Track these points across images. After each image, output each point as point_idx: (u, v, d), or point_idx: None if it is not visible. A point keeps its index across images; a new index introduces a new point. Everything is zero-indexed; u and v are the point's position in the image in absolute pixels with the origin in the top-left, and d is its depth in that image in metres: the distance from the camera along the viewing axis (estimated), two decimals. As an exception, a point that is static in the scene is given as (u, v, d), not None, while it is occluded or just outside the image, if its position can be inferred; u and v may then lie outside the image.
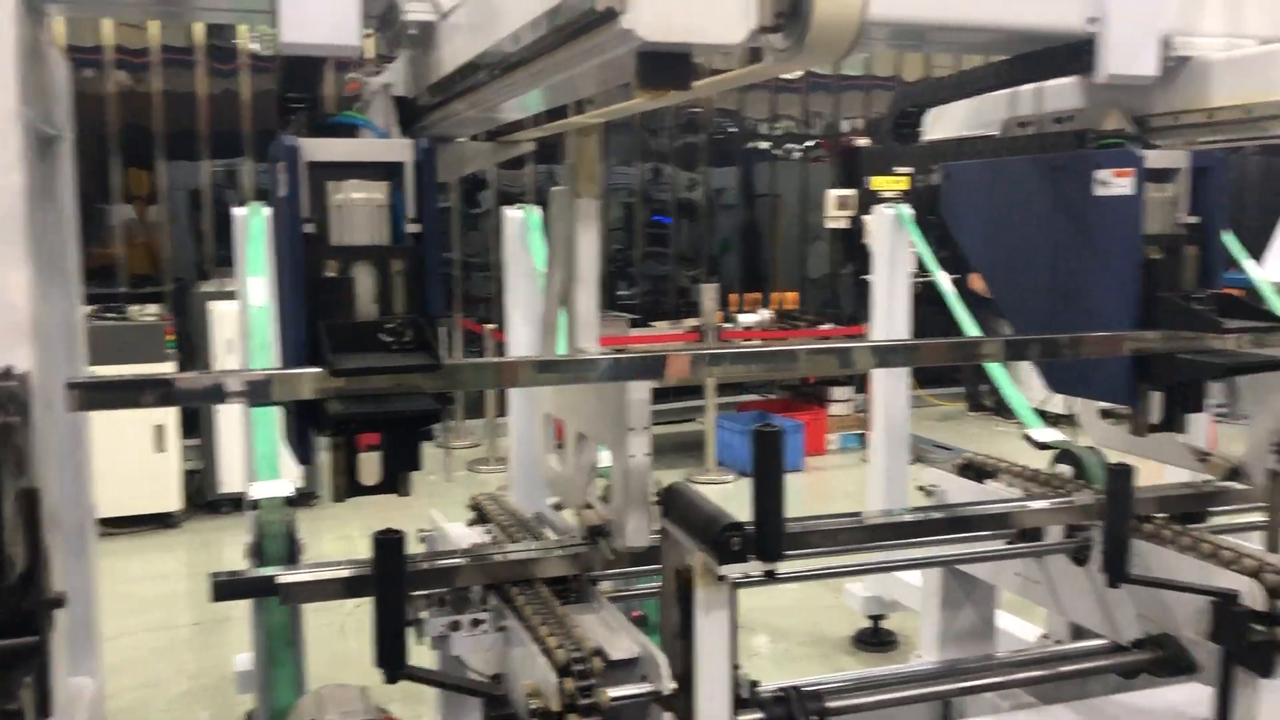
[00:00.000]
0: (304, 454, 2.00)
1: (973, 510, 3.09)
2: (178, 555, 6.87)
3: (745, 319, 9.19)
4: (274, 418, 3.90)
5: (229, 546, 7.12)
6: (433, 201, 1.99)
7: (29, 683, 0.87)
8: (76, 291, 2.63)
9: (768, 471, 2.11)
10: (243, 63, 9.75)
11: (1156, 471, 3.62)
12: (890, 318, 4.87)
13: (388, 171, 2.01)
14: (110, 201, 9.62)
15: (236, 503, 7.88)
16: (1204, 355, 2.41)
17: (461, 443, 9.28)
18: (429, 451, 9.34)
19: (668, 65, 1.25)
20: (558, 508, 3.03)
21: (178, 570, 6.64)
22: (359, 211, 1.98)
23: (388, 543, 2.04)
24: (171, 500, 7.33)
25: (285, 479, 3.25)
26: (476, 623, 2.36)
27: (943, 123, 3.47)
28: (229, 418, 7.46)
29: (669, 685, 2.13)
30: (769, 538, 2.10)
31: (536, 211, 4.29)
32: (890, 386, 4.91)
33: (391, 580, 2.05)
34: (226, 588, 2.34)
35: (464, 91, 1.92)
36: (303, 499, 7.55)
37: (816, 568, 3.07)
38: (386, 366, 1.83)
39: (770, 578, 2.20)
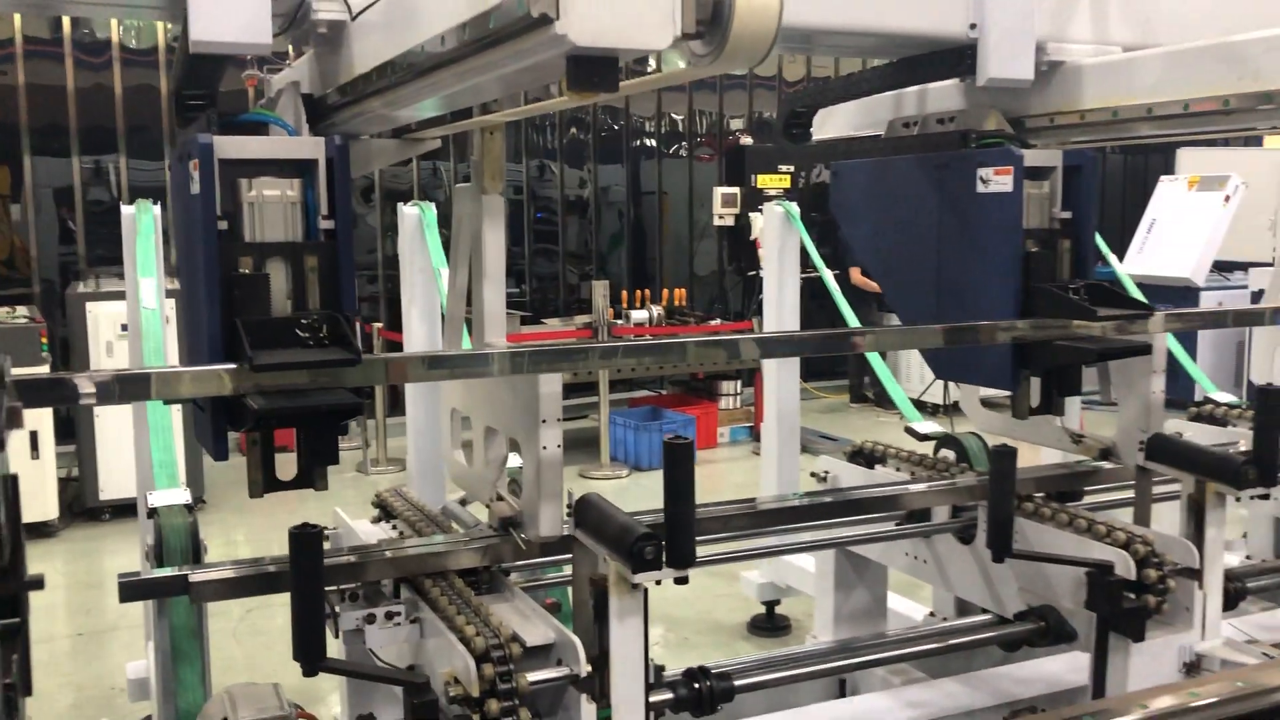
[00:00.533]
0: (220, 451, 2.00)
1: (863, 494, 3.23)
2: (56, 565, 6.65)
3: (637, 315, 9.30)
4: (170, 424, 3.83)
5: (110, 555, 6.92)
6: (346, 198, 2.02)
7: (15, 660, 0.88)
8: None
9: (679, 481, 2.17)
10: (115, 56, 9.45)
11: (1033, 454, 3.82)
12: (781, 309, 5.00)
13: (300, 169, 2.02)
14: (-27, 200, 9.25)
15: (118, 510, 7.68)
16: (1079, 341, 2.57)
17: (351, 444, 9.18)
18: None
19: (597, 68, 1.32)
20: (463, 503, 3.07)
21: (55, 581, 6.42)
22: (272, 208, 1.99)
23: (305, 537, 2.05)
24: (49, 508, 7.09)
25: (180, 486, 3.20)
26: (390, 615, 2.38)
27: (831, 123, 3.60)
28: (108, 423, 7.25)
29: (585, 668, 2.19)
30: (680, 545, 2.16)
31: (432, 208, 4.30)
32: (781, 378, 5.05)
33: (310, 574, 2.06)
34: (134, 589, 2.31)
35: (378, 90, 1.94)
36: (188, 504, 7.37)
37: (714, 554, 3.16)
38: (309, 361, 1.85)
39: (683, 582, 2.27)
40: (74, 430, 7.59)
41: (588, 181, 11.37)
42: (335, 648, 2.60)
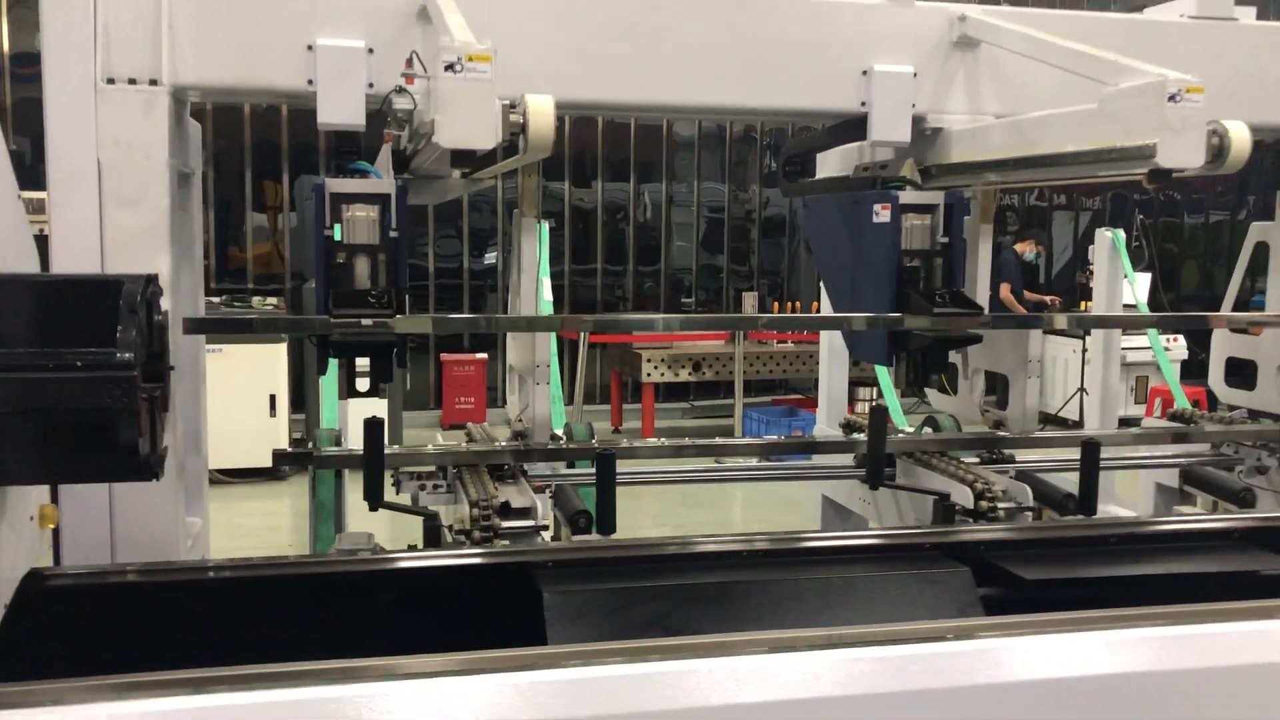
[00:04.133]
0: (322, 368, 3.34)
1: (815, 439, 4.28)
2: (282, 500, 8.40)
3: (779, 323, 10.37)
4: (334, 387, 5.30)
5: (324, 497, 8.64)
6: (405, 216, 3.29)
7: (159, 391, 2.08)
8: (200, 273, 3.97)
9: (605, 480, 3.42)
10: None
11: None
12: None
13: (380, 199, 3.32)
14: (246, 210, 11.37)
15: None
16: (923, 330, 3.56)
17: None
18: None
19: (466, 155, 2.53)
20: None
21: (281, 510, 8.16)
22: (360, 223, 3.30)
23: (372, 424, 3.37)
24: (280, 457, 8.86)
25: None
26: (436, 486, 3.68)
27: (827, 165, 4.67)
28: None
29: (545, 522, 3.40)
30: (605, 521, 3.40)
31: (546, 226, 5.59)
32: (836, 371, 6.06)
33: (374, 446, 3.37)
34: (280, 457, 3.70)
35: (418, 151, 3.23)
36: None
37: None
38: (359, 313, 3.14)
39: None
40: (304, 400, 9.40)
41: (753, 202, 12.53)
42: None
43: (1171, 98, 2.75)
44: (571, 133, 11.83)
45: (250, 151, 11.26)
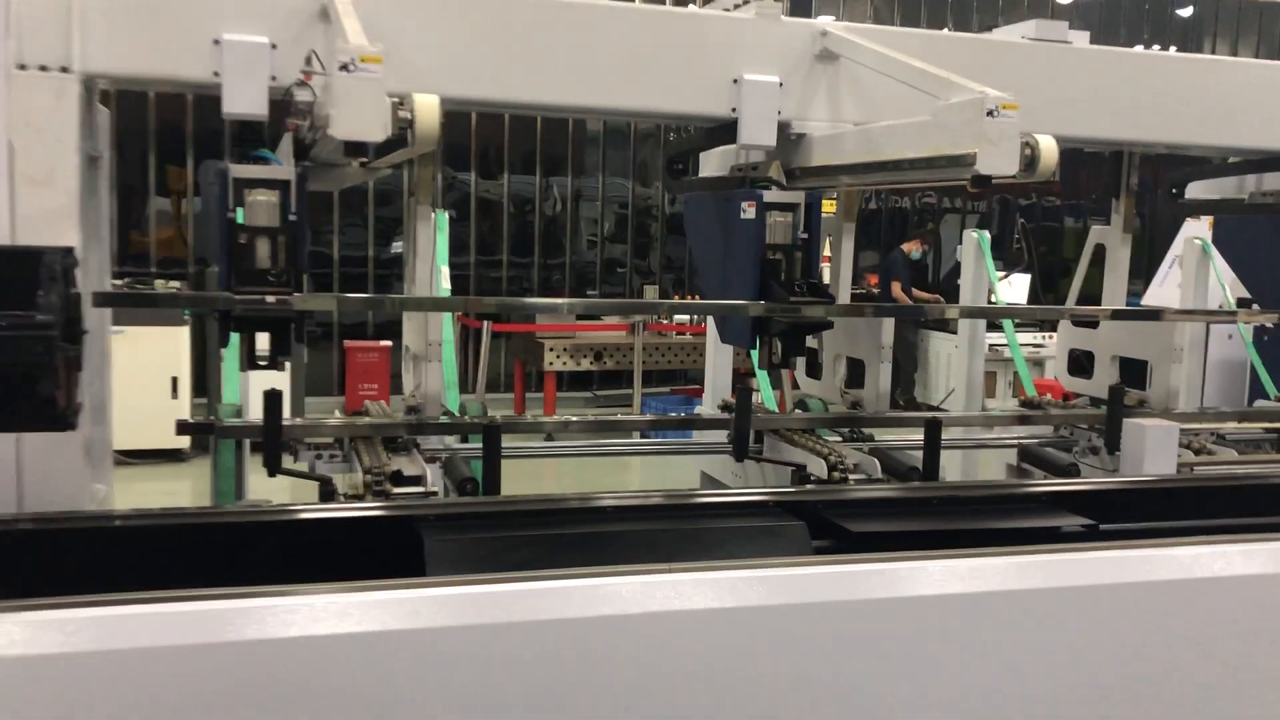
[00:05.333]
0: (224, 340, 3.56)
1: (692, 417, 4.63)
2: (183, 481, 8.51)
3: (679, 317, 10.75)
4: (235, 361, 5.49)
5: (225, 479, 8.76)
6: (304, 201, 3.53)
7: (76, 349, 2.29)
8: (107, 252, 4.14)
9: (491, 451, 3.71)
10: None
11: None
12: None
13: (280, 185, 3.55)
14: (149, 195, 11.36)
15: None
16: (780, 316, 3.91)
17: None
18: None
19: (358, 146, 2.80)
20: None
21: (183, 490, 8.27)
22: (261, 207, 3.53)
23: (271, 395, 3.60)
24: (182, 440, 8.94)
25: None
26: (333, 456, 3.92)
27: (710, 164, 5.01)
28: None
29: (434, 489, 3.67)
30: (491, 488, 3.69)
31: (445, 214, 5.84)
32: (721, 359, 6.42)
33: (273, 416, 3.61)
34: (184, 426, 3.91)
35: (314, 141, 3.47)
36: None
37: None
38: (258, 290, 3.37)
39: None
40: (205, 384, 9.48)
41: (656, 199, 12.89)
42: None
43: (990, 112, 3.14)
44: (478, 125, 12.05)
45: (154, 136, 11.25)
